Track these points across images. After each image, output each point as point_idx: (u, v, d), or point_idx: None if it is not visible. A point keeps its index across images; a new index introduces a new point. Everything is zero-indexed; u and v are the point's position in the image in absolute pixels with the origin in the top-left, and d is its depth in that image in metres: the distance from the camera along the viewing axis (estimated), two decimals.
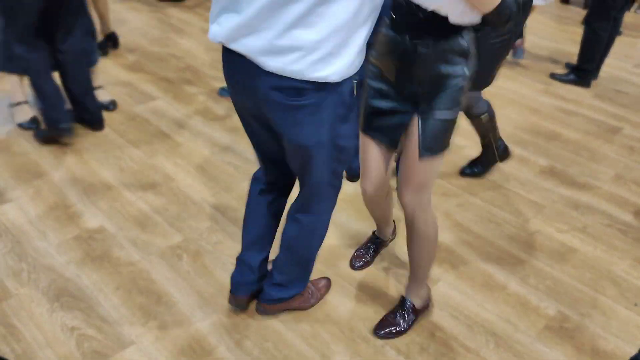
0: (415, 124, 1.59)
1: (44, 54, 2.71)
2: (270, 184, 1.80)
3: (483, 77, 2.38)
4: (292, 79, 1.32)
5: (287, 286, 1.88)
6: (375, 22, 1.37)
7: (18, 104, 3.06)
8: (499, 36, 2.23)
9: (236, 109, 1.58)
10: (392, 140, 1.69)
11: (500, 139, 2.79)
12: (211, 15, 1.40)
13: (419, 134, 1.58)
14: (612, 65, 4.52)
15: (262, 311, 1.95)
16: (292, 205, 1.76)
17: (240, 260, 1.89)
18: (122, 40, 4.23)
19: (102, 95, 3.25)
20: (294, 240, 1.77)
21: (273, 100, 1.38)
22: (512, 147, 3.15)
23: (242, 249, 1.89)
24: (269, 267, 1.93)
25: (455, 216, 2.55)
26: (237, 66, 1.40)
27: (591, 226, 2.55)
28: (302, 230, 1.74)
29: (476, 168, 2.88)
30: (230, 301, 1.94)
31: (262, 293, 1.92)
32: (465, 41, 1.50)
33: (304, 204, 1.70)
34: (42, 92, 2.74)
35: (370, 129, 1.70)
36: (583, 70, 4.02)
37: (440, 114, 1.56)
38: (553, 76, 4.15)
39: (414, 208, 1.71)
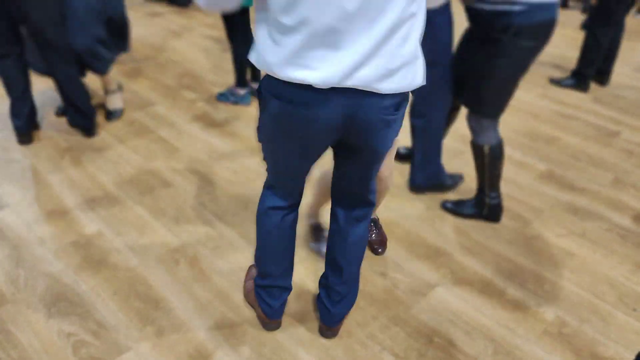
0: None
1: (17, 59, 2.78)
2: (292, 204, 1.75)
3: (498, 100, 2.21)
4: (396, 95, 1.34)
5: (347, 296, 1.85)
6: None
7: None
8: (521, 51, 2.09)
9: (299, 142, 1.43)
10: None
11: (496, 192, 2.48)
12: (282, 60, 1.27)
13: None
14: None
15: (332, 335, 1.91)
16: (352, 211, 1.72)
17: (273, 287, 1.85)
18: None
19: (111, 102, 3.24)
20: (361, 243, 1.77)
21: (378, 120, 1.36)
22: (511, 151, 3.15)
23: (274, 276, 1.83)
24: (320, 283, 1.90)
25: (453, 221, 2.55)
26: (331, 100, 1.32)
27: (590, 231, 2.55)
28: (365, 228, 1.76)
29: (459, 209, 2.59)
30: (267, 327, 1.92)
31: (326, 317, 1.87)
32: None
33: (362, 203, 1.70)
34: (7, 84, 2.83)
35: None
36: (582, 74, 4.02)
37: None
38: (552, 81, 4.16)
39: None
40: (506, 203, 2.70)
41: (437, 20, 2.25)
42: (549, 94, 3.97)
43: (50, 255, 2.21)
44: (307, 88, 1.29)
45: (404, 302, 2.07)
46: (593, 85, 4.16)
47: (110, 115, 3.24)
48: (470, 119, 2.32)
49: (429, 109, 2.50)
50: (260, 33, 1.31)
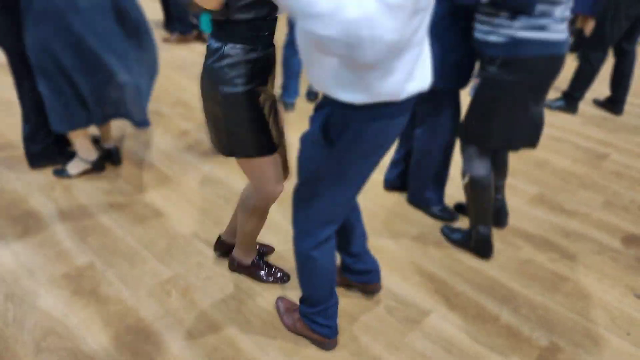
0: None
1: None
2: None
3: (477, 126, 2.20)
4: None
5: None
6: None
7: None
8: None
9: (382, 154, 1.55)
10: None
11: (484, 226, 2.41)
12: (401, 82, 1.38)
13: None
14: (597, 91, 4.59)
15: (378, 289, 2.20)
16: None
17: (328, 309, 1.90)
18: None
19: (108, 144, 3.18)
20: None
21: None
22: None
23: (327, 298, 1.88)
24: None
25: (445, 246, 2.55)
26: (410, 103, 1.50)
27: (582, 254, 2.55)
28: None
29: (451, 234, 2.59)
30: (328, 346, 1.96)
31: (374, 276, 2.15)
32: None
33: None
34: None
35: None
36: (572, 97, 4.09)
37: None
38: (545, 103, 4.23)
39: None
40: (498, 227, 2.71)
41: (446, 41, 2.28)
42: None
43: (41, 289, 2.19)
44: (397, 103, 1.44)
45: (398, 329, 2.06)
46: (581, 108, 4.22)
47: (110, 151, 3.14)
48: (460, 144, 2.35)
49: (431, 131, 2.54)
50: (355, 75, 1.35)
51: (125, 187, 2.90)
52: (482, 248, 2.45)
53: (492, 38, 2.00)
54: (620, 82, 4.07)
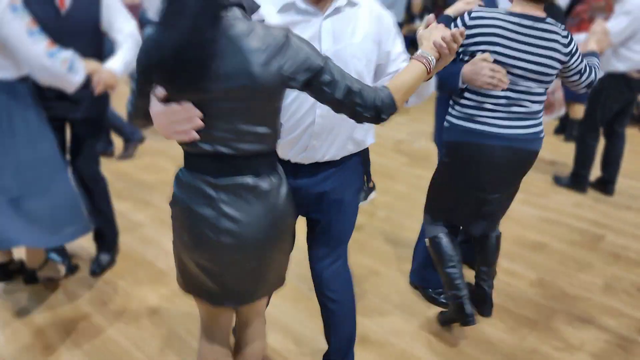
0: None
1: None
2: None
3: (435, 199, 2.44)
4: None
5: None
6: None
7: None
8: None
9: None
10: None
11: (453, 292, 2.35)
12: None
13: None
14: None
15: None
16: None
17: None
18: (110, 167, 4.34)
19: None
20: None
21: None
22: (499, 259, 3.15)
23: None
24: None
25: (449, 338, 2.48)
26: None
27: (588, 342, 2.48)
28: None
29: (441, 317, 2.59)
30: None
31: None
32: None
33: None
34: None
35: None
36: (579, 175, 4.21)
37: None
38: (555, 178, 4.39)
39: None
40: (500, 315, 2.65)
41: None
42: (530, 200, 4.06)
43: None
44: None
45: None
46: (573, 191, 4.28)
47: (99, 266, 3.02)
48: None
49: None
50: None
51: (120, 284, 2.85)
52: (458, 315, 2.35)
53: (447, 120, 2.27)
54: (610, 163, 4.17)
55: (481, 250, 2.52)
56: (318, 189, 1.77)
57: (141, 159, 4.66)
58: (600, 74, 2.25)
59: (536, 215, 3.82)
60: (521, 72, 2.03)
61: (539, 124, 2.17)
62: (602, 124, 4.03)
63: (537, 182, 4.42)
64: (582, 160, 4.19)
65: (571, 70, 2.13)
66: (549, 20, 2.04)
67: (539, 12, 2.03)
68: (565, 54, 2.07)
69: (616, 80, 3.82)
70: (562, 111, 4.22)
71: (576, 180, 4.24)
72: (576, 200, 4.11)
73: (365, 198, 3.84)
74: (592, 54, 2.35)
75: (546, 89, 2.12)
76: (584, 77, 2.17)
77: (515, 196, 2.24)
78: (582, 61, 2.15)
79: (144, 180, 4.21)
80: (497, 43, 2.01)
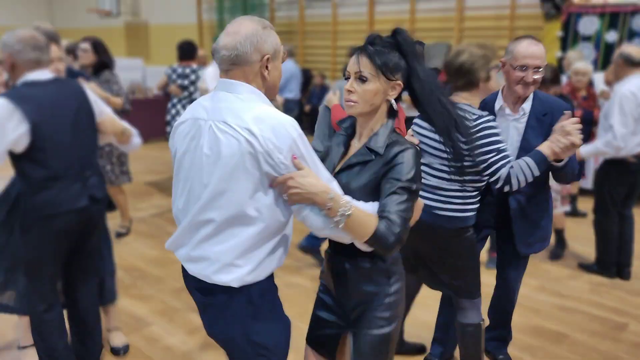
0: (348, 341, 1.76)
1: (60, 310, 2.55)
2: None
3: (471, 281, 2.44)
4: (203, 281, 1.64)
5: None
6: (285, 238, 1.67)
7: (25, 347, 2.87)
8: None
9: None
10: (329, 352, 1.83)
11: None
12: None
13: (351, 351, 1.73)
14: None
15: None
16: None
17: None
18: (118, 261, 4.30)
19: (116, 338, 3.08)
20: None
21: (196, 297, 1.73)
22: (519, 353, 3.03)
23: None
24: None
25: None
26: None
27: None
28: None
29: None
30: None
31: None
32: (386, 261, 1.68)
33: None
34: (51, 351, 2.49)
35: (312, 339, 1.86)
36: (603, 261, 4.17)
37: (371, 332, 1.69)
38: (581, 265, 4.32)
39: None
40: None
41: None
42: (546, 287, 3.97)
43: None
44: None
45: None
46: (589, 276, 4.20)
47: (118, 352, 3.03)
48: None
49: None
50: None
51: None
52: None
53: None
54: (623, 248, 4.12)
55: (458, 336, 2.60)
56: None
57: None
58: (520, 179, 2.16)
59: (553, 304, 3.72)
60: (425, 147, 2.29)
61: (443, 202, 2.29)
62: (615, 207, 4.03)
63: (548, 266, 4.34)
64: (604, 246, 4.16)
65: (477, 153, 2.19)
66: (462, 105, 2.22)
67: (459, 99, 2.27)
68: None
69: (616, 166, 3.91)
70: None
71: (603, 267, 4.19)
72: (592, 285, 4.02)
73: None
74: (538, 155, 2.19)
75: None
76: (490, 168, 2.20)
77: (530, 283, 2.21)
78: (490, 150, 2.18)
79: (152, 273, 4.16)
80: (417, 123, 2.37)
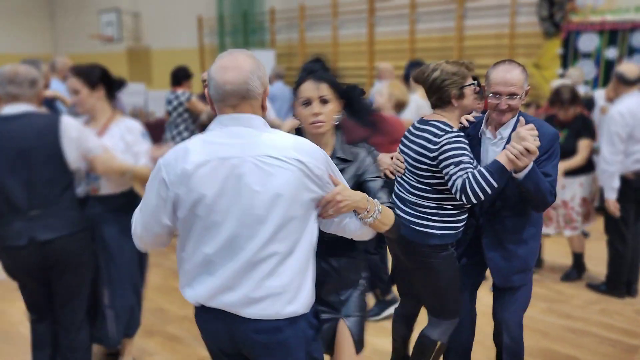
0: (342, 326, 1.98)
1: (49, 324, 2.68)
2: None
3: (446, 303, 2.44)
4: (268, 320, 1.61)
5: None
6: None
7: None
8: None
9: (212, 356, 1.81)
10: (328, 345, 2.00)
11: None
12: (181, 281, 1.71)
13: (351, 333, 1.98)
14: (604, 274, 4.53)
15: None
16: None
17: None
18: None
19: None
20: None
21: (255, 342, 1.63)
22: None
23: None
24: None
25: None
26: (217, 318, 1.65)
27: None
28: None
29: None
30: None
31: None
32: (360, 253, 2.01)
33: None
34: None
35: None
36: (613, 281, 4.10)
37: (361, 311, 2.03)
38: (589, 285, 4.25)
39: None
40: None
41: None
42: (554, 308, 3.91)
43: None
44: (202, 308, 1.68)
45: None
46: (599, 296, 4.13)
47: None
48: None
49: None
50: None
51: None
52: None
53: None
54: (630, 266, 4.06)
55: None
56: None
57: None
58: (477, 188, 2.08)
59: (562, 325, 3.65)
60: (406, 164, 2.37)
61: (421, 218, 2.31)
62: (627, 227, 3.97)
63: (556, 286, 4.28)
64: (615, 266, 4.08)
65: (442, 168, 2.22)
66: (433, 121, 2.30)
67: (434, 116, 2.35)
68: (433, 150, 2.24)
69: (620, 184, 3.85)
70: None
71: (612, 287, 4.12)
72: (600, 305, 3.95)
73: (379, 313, 3.71)
74: (494, 164, 2.11)
75: (427, 184, 2.29)
76: (450, 180, 2.19)
77: (538, 304, 2.14)
78: (450, 164, 2.19)
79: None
80: (402, 140, 2.46)
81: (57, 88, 4.65)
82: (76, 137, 2.45)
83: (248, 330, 1.61)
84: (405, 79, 8.70)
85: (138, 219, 1.72)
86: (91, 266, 2.66)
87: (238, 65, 1.56)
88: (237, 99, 1.57)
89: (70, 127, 2.45)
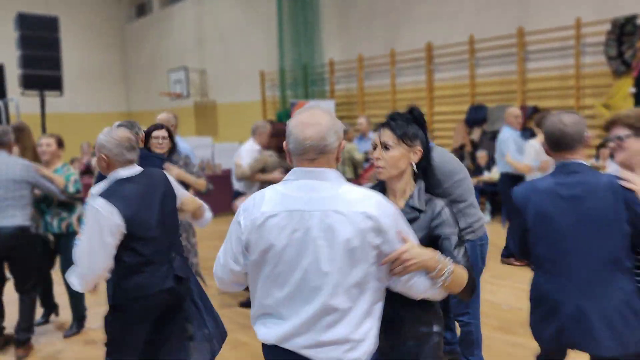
0: None
1: None
2: None
3: None
4: None
5: None
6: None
7: None
8: None
9: None
10: None
11: None
12: (254, 312, 1.71)
13: None
14: None
15: None
16: None
17: None
18: None
19: None
20: None
21: None
22: None
23: None
24: None
25: None
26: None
27: None
28: None
29: None
30: None
31: None
32: (434, 305, 1.86)
33: None
34: None
35: None
36: None
37: None
38: None
39: None
40: None
41: None
42: None
43: None
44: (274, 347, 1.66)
45: None
46: None
47: None
48: None
49: None
50: None
51: None
52: None
53: None
54: None
55: None
56: None
57: None
58: None
59: None
60: None
61: None
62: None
63: None
64: None
65: None
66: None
67: None
68: None
69: None
70: None
71: None
72: None
73: None
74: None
75: None
76: None
77: None
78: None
79: None
80: None
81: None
82: (175, 183, 2.68)
83: None
84: (467, 122, 8.65)
85: (220, 260, 1.78)
86: None
87: (317, 122, 1.62)
88: (315, 154, 1.62)
89: (171, 176, 2.71)
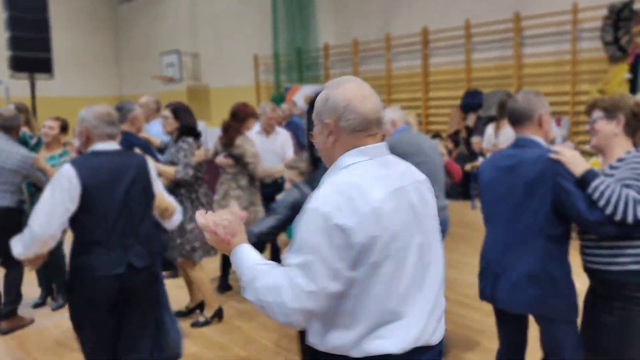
0: None
1: None
2: None
3: None
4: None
5: None
6: None
7: None
8: None
9: None
10: None
11: None
12: (358, 333, 1.41)
13: None
14: None
15: None
16: None
17: None
18: None
19: None
20: None
21: None
22: None
23: None
24: None
25: None
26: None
27: None
28: None
29: None
30: None
31: None
32: None
33: None
34: None
35: None
36: None
37: None
38: None
39: None
40: None
41: None
42: None
43: None
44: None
45: None
46: None
47: None
48: None
49: None
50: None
51: None
52: None
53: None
54: None
55: None
56: None
57: None
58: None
59: None
60: None
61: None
62: None
63: None
64: None
65: None
66: None
67: None
68: None
69: None
70: None
71: None
72: None
73: None
74: None
75: None
76: None
77: None
78: None
79: None
80: None
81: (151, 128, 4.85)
82: (154, 175, 2.65)
83: (435, 354, 1.52)
84: (462, 108, 8.61)
85: (300, 288, 1.35)
86: None
87: (370, 93, 1.51)
88: (377, 127, 1.49)
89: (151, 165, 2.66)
